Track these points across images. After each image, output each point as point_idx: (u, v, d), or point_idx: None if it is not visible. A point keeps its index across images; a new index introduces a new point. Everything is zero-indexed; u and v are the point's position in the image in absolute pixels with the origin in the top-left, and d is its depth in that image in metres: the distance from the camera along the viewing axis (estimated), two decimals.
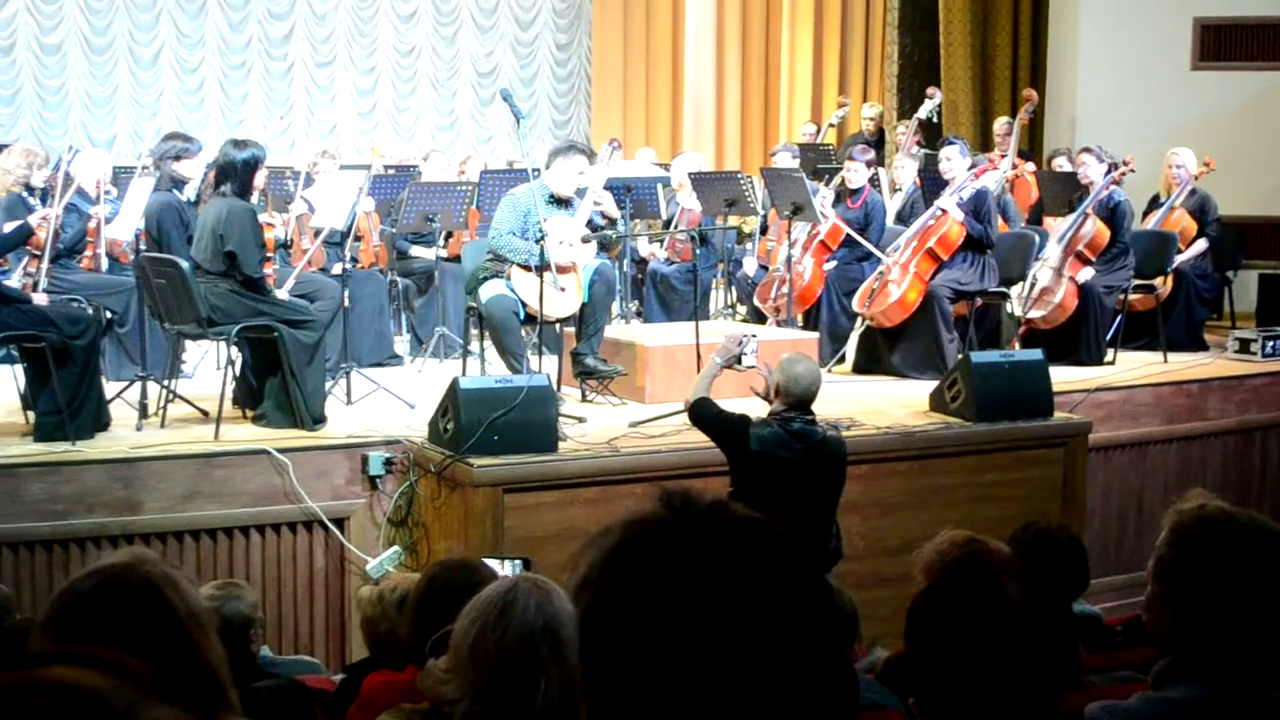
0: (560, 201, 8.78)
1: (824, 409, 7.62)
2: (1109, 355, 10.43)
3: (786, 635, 1.47)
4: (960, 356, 9.03)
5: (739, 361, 6.79)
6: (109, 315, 8.91)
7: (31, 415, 7.76)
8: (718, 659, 1.45)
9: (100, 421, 7.80)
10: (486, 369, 9.07)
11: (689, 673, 1.45)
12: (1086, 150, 11.03)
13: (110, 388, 8.26)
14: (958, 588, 2.46)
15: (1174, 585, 2.81)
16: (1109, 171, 10.70)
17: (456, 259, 10.55)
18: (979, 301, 10.19)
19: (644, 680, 1.47)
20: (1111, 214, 10.59)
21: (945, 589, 2.48)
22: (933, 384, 8.97)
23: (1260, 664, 2.71)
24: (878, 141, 14.68)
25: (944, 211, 10.11)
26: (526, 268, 8.45)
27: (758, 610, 1.46)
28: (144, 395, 8.11)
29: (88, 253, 9.51)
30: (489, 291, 8.57)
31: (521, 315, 8.53)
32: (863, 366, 10.26)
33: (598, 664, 1.52)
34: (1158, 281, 10.85)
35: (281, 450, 7.46)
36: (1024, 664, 2.36)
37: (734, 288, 12.03)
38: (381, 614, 4.75)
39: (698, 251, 10.33)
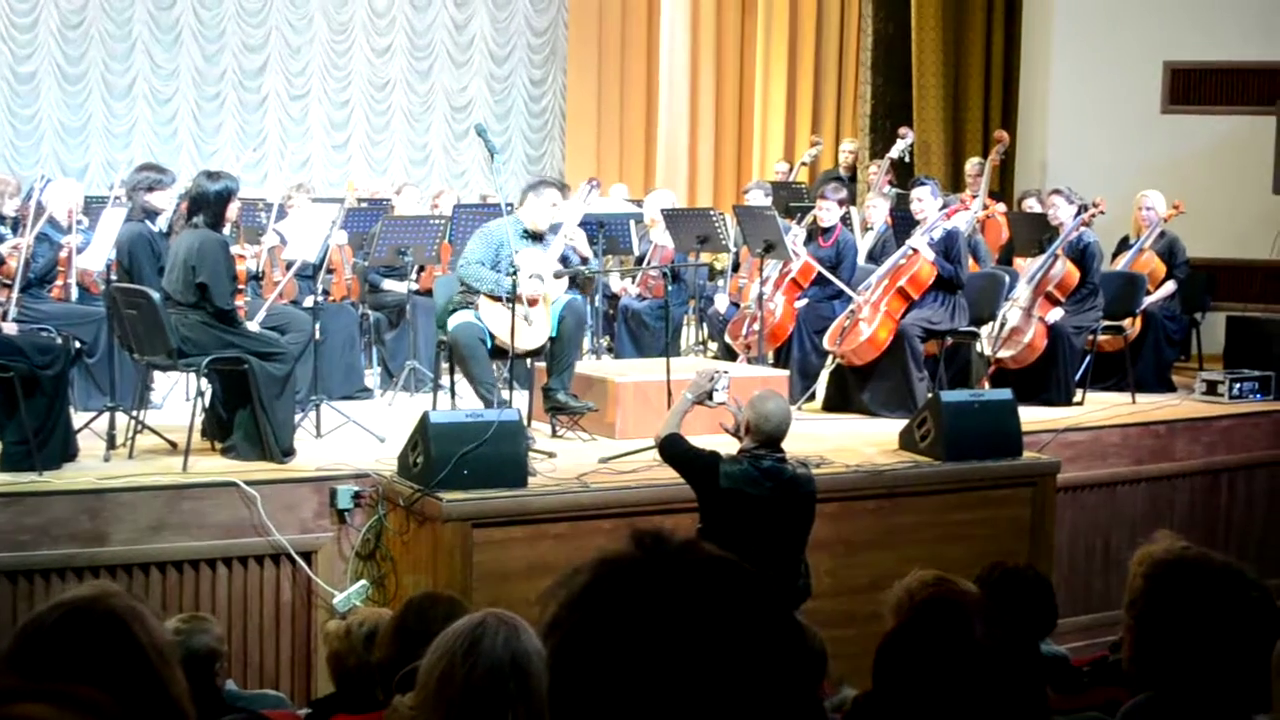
0: (533, 236, 8.80)
1: (794, 446, 7.64)
2: (1078, 396, 10.46)
3: (757, 675, 1.47)
4: (930, 395, 9.04)
5: (710, 398, 6.80)
6: (78, 345, 8.86)
7: None
8: (689, 700, 1.45)
9: (67, 452, 7.76)
10: (457, 403, 9.06)
11: (659, 714, 1.45)
12: (1057, 191, 11.09)
13: (78, 418, 8.22)
14: (926, 627, 2.46)
15: (1147, 624, 2.83)
16: (1079, 213, 10.76)
17: (428, 293, 10.54)
18: (949, 341, 10.22)
19: None
20: (1081, 255, 10.64)
21: (914, 628, 2.48)
22: (902, 423, 8.98)
23: (1227, 706, 2.73)
24: (850, 179, 14.74)
25: (915, 251, 10.14)
26: (494, 298, 8.47)
27: (729, 651, 1.46)
28: (112, 426, 8.08)
29: (58, 282, 9.49)
30: (455, 320, 8.58)
31: (489, 344, 8.53)
32: (833, 404, 10.28)
33: (567, 704, 1.51)
34: (1126, 322, 10.91)
35: (250, 483, 7.43)
36: (991, 704, 2.36)
37: (705, 324, 12.04)
38: (349, 649, 4.73)
39: (669, 288, 10.36)
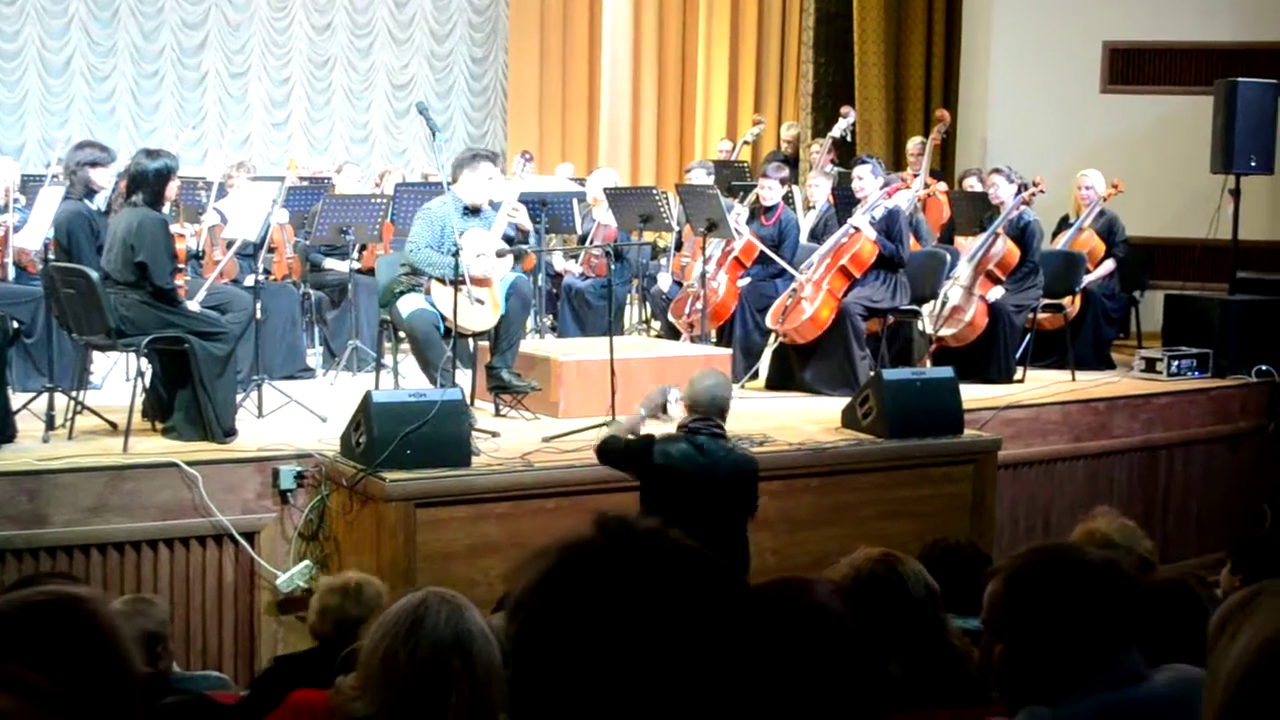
0: (474, 211, 8.76)
1: (736, 424, 7.67)
2: (1018, 373, 10.54)
3: (715, 662, 1.48)
4: (872, 374, 9.09)
5: (664, 410, 6.83)
6: (16, 325, 8.77)
7: None
8: (649, 685, 1.45)
9: (6, 433, 7.69)
10: (400, 383, 9.03)
11: (619, 698, 1.46)
12: (997, 171, 11.15)
13: (17, 399, 8.14)
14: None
15: (1007, 626, 2.85)
16: (1019, 192, 10.82)
17: (370, 272, 10.51)
18: (891, 319, 10.28)
19: (573, 705, 1.47)
20: (1021, 234, 10.70)
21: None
22: (845, 401, 9.02)
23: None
24: (793, 159, 14.76)
25: (857, 230, 10.18)
26: (444, 282, 8.43)
27: (688, 637, 1.47)
28: (51, 407, 8.01)
29: None
30: (408, 306, 8.54)
31: (442, 329, 8.51)
32: (775, 383, 10.31)
33: (528, 687, 1.51)
34: (1066, 301, 10.99)
35: (191, 463, 7.38)
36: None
37: (648, 303, 12.05)
38: (347, 614, 4.64)
39: (613, 267, 10.35)
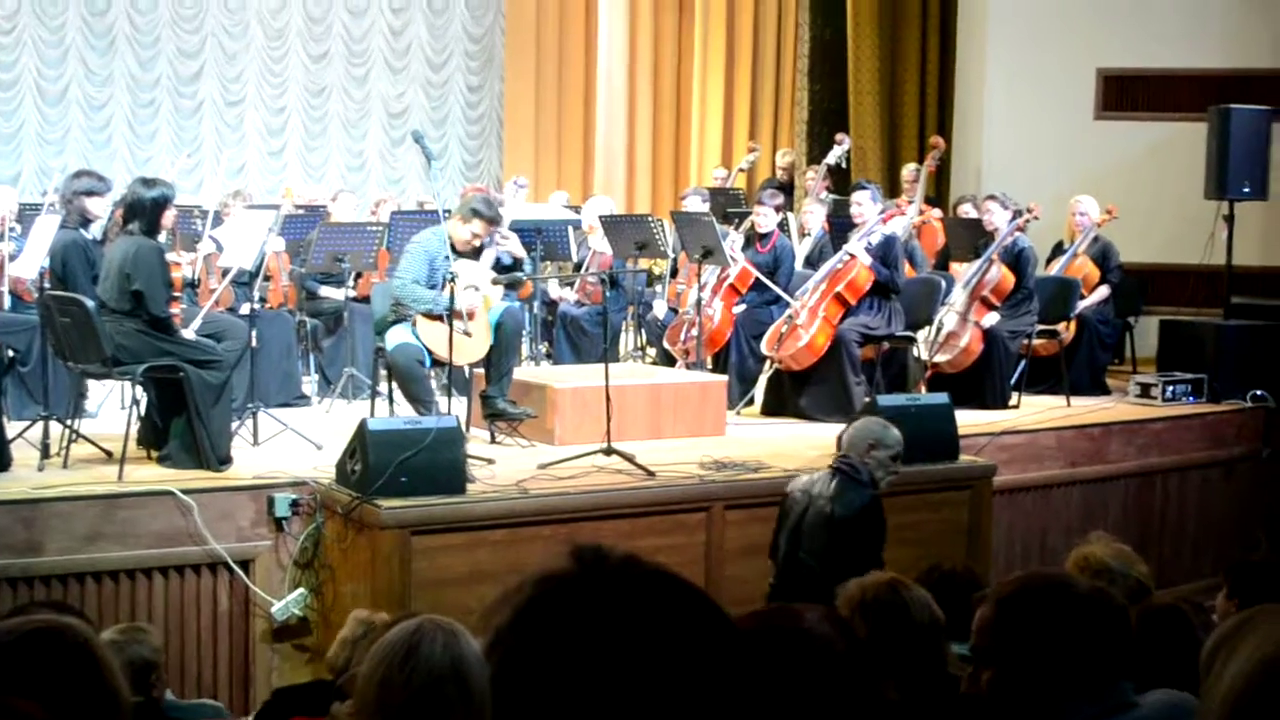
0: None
1: (731, 451, 7.65)
2: (1013, 399, 10.55)
3: (696, 691, 1.48)
4: (867, 400, 9.10)
5: None
6: (11, 354, 8.79)
7: None
8: (628, 715, 1.45)
9: (1, 462, 7.68)
10: (395, 410, 9.03)
11: None
12: (991, 197, 11.17)
13: (12, 427, 8.14)
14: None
15: (995, 653, 2.85)
16: (1014, 218, 10.84)
17: (366, 300, 10.51)
18: (886, 346, 10.28)
19: None
20: (1016, 260, 10.72)
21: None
22: (840, 427, 8.97)
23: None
24: (788, 186, 14.79)
25: (852, 256, 10.20)
26: (430, 316, 8.43)
27: (669, 665, 1.47)
28: (46, 435, 8.00)
29: None
30: (394, 339, 8.54)
31: (427, 363, 8.50)
32: (771, 409, 10.31)
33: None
34: (1061, 327, 11.00)
35: (186, 491, 7.37)
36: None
37: (644, 330, 12.06)
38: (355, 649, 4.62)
39: (608, 294, 10.38)
